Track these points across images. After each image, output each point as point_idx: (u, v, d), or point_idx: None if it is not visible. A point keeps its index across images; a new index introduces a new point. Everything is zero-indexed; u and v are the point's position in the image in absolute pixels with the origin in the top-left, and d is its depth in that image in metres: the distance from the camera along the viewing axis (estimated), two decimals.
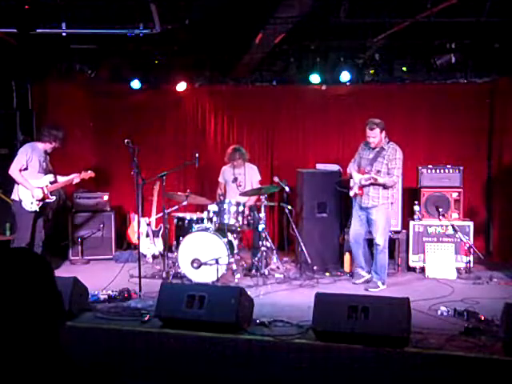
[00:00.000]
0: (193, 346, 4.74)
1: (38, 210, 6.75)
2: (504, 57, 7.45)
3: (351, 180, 6.76)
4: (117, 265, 7.41)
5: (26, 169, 6.69)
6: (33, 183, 6.70)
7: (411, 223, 7.36)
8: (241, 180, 7.49)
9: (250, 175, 7.57)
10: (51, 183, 6.88)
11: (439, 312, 5.44)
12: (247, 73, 8.23)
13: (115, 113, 8.61)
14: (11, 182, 6.84)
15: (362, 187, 6.50)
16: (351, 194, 6.73)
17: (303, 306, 5.30)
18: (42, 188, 6.73)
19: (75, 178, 7.04)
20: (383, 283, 6.51)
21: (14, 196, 6.76)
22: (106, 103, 8.57)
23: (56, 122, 7.29)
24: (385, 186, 6.41)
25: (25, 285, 1.44)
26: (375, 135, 6.39)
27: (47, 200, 6.82)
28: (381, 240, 6.46)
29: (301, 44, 7.58)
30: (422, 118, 8.36)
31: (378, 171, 6.38)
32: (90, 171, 7.15)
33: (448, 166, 7.54)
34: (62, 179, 7.02)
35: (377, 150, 6.47)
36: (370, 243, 6.74)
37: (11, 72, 7.97)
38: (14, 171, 6.66)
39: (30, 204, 6.70)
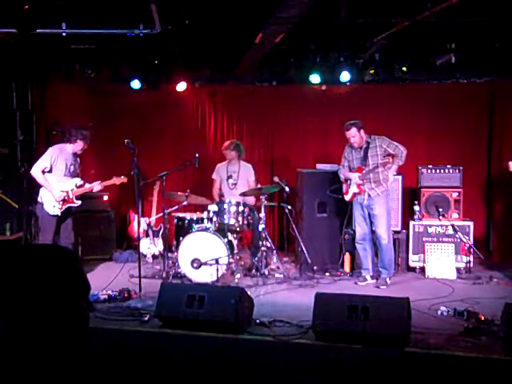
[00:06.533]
0: (193, 346, 4.74)
1: (60, 214, 6.59)
2: (504, 57, 7.45)
3: (343, 186, 6.82)
4: (117, 265, 7.41)
5: (50, 171, 6.55)
6: (58, 186, 6.56)
7: (411, 223, 7.37)
8: (235, 178, 7.51)
9: (245, 174, 7.59)
10: (78, 187, 6.70)
11: (439, 312, 5.45)
12: (247, 73, 8.23)
13: (115, 113, 8.61)
14: (12, 183, 6.81)
15: (360, 185, 6.57)
16: (347, 198, 6.80)
17: (303, 306, 5.30)
18: (66, 192, 6.59)
19: (104, 183, 6.82)
20: (390, 278, 6.63)
21: (38, 198, 6.64)
22: (106, 103, 8.57)
23: (81, 122, 7.15)
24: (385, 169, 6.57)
25: (55, 278, 1.48)
26: (354, 134, 6.54)
27: (71, 204, 6.65)
28: (385, 234, 6.58)
29: (301, 44, 7.57)
30: (422, 118, 8.37)
31: (376, 166, 6.46)
32: (122, 176, 6.83)
33: (448, 166, 7.54)
34: (88, 185, 6.81)
35: (364, 147, 6.59)
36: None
37: (11, 72, 7.96)
38: (35, 171, 6.55)
39: (52, 207, 6.55)
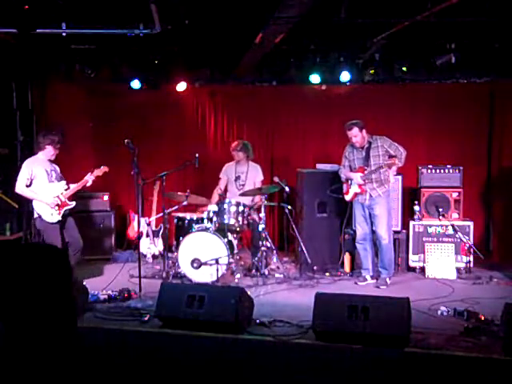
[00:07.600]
0: (193, 346, 4.74)
1: (60, 218, 6.54)
2: (504, 57, 7.45)
3: (344, 186, 6.82)
4: (117, 265, 7.41)
5: (30, 184, 6.49)
6: (47, 193, 6.50)
7: (411, 223, 7.37)
8: (243, 179, 7.51)
9: (253, 175, 7.58)
10: (66, 190, 6.65)
11: (439, 312, 5.45)
12: (247, 73, 8.23)
13: (115, 113, 8.60)
14: (12, 183, 6.80)
15: (361, 185, 6.57)
16: (348, 198, 6.80)
17: (303, 306, 5.30)
18: (57, 196, 6.54)
19: (89, 178, 6.66)
20: (390, 278, 6.63)
21: (34, 213, 6.59)
22: (106, 103, 8.57)
23: (48, 126, 7.10)
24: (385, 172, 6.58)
25: (41, 277, 1.48)
26: (356, 134, 6.54)
27: (67, 207, 6.60)
28: (386, 234, 6.58)
29: (301, 44, 7.57)
30: (422, 118, 8.37)
31: (380, 167, 6.45)
32: (102, 166, 6.79)
33: (448, 166, 7.54)
34: (73, 185, 6.72)
35: (365, 147, 6.59)
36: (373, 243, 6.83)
37: (11, 72, 7.97)
38: (20, 188, 6.50)
39: (51, 216, 6.50)
